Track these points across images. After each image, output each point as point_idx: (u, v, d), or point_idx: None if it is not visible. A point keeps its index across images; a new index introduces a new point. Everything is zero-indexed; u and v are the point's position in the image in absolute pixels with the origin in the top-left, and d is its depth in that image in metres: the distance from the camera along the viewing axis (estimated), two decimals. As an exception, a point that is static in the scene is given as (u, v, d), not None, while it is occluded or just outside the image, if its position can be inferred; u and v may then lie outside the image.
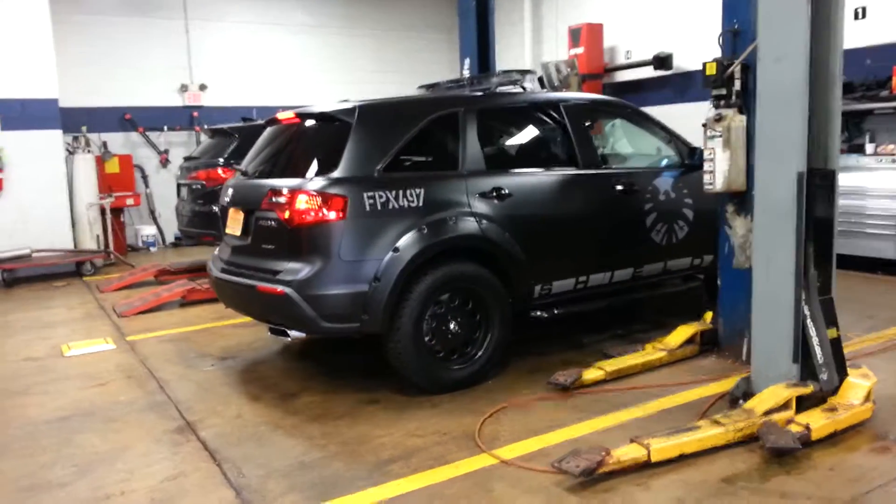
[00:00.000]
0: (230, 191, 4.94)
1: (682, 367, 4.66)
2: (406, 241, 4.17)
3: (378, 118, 4.50)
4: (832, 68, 3.75)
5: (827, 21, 3.70)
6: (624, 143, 6.09)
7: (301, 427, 4.00)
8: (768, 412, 3.52)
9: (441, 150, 4.67)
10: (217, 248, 5.26)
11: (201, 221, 8.10)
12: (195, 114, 12.12)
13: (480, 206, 4.48)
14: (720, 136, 4.49)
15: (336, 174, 4.20)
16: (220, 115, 11.56)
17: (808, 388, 3.63)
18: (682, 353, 4.79)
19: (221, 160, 8.09)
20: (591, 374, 4.41)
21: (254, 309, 4.71)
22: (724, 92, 4.57)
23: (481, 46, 8.34)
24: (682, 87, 10.41)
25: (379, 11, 13.69)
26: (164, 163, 11.97)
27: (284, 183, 4.34)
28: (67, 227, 9.50)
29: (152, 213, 11.90)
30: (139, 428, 4.12)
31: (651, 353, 4.75)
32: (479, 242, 4.45)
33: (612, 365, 4.54)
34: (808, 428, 3.40)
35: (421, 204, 4.28)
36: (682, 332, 4.86)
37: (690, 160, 5.51)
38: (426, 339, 4.28)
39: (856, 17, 8.11)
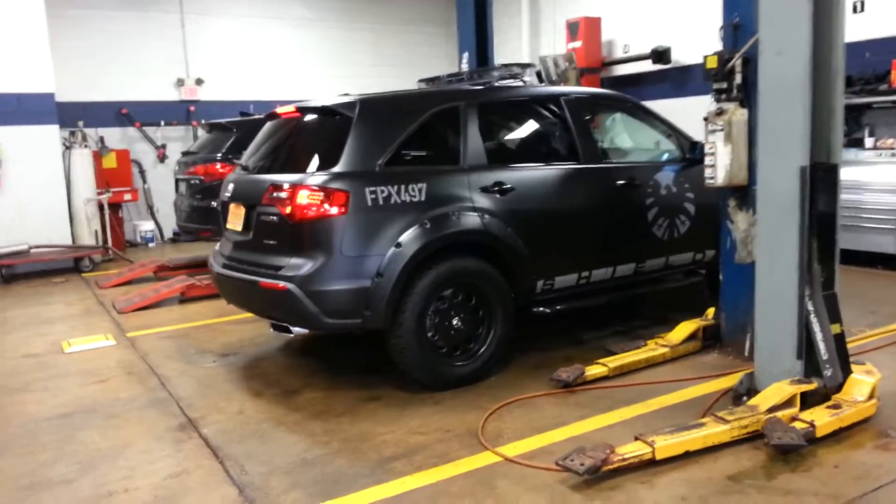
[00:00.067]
0: (231, 186, 4.91)
1: (684, 364, 4.65)
2: (408, 236, 4.15)
3: (379, 112, 4.48)
4: (834, 62, 3.73)
5: (828, 14, 3.67)
6: (625, 137, 6.07)
7: (303, 424, 3.99)
8: (772, 409, 3.51)
9: (442, 145, 4.64)
10: (218, 244, 5.23)
11: (200, 216, 8.06)
12: (192, 108, 12.08)
13: (482, 201, 4.46)
14: (721, 130, 4.47)
15: (337, 169, 4.18)
16: (217, 109, 11.51)
17: (812, 385, 3.62)
18: (685, 349, 4.78)
19: (220, 155, 8.05)
20: (593, 370, 4.41)
21: (255, 305, 4.69)
22: (725, 86, 4.55)
23: (479, 40, 8.31)
24: (680, 80, 10.39)
25: (377, 5, 13.64)
26: (162, 158, 11.93)
27: (286, 178, 4.32)
28: (65, 222, 9.46)
29: (150, 208, 11.86)
30: (141, 425, 4.10)
31: (653, 349, 4.74)
32: (482, 237, 4.44)
33: (614, 361, 4.53)
34: (812, 425, 3.39)
35: (423, 199, 4.26)
36: (684, 328, 4.85)
37: (691, 154, 5.49)
38: (429, 334, 4.26)
39: (854, 10, 8.10)
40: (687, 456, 3.31)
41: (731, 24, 4.60)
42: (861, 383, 3.67)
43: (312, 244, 4.14)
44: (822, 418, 3.45)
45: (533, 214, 4.66)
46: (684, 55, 10.25)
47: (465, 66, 8.29)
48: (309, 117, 4.80)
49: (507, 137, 5.24)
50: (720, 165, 4.49)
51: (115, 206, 10.70)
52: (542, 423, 3.82)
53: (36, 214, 9.14)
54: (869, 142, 7.41)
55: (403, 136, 4.39)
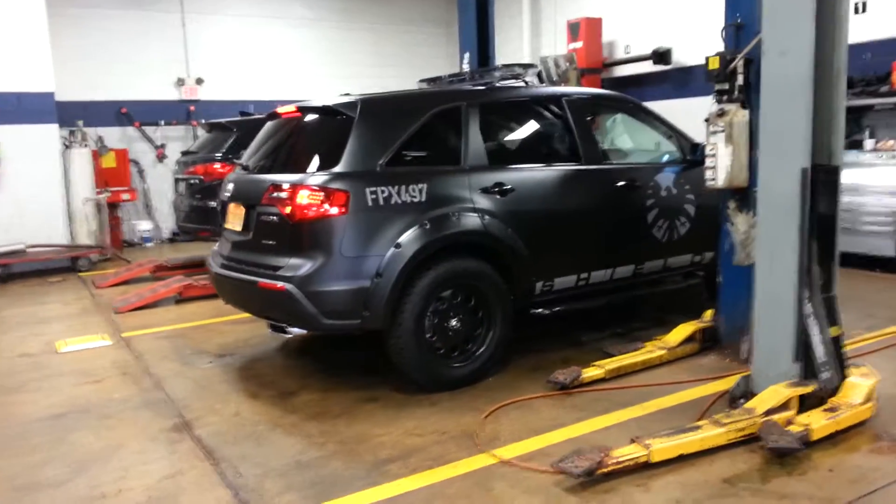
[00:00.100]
0: (230, 186, 4.90)
1: (681, 366, 4.64)
2: (408, 236, 4.13)
3: (380, 112, 4.46)
4: (836, 63, 3.71)
5: (832, 15, 3.65)
6: (625, 138, 6.05)
7: (299, 425, 3.97)
8: (769, 412, 3.49)
9: (443, 145, 4.63)
10: (217, 244, 5.21)
11: (199, 216, 8.05)
12: (192, 108, 12.07)
13: (483, 202, 4.44)
14: (722, 131, 4.46)
15: (338, 169, 4.16)
16: (217, 109, 11.51)
17: (809, 388, 3.60)
18: (682, 352, 4.76)
19: (219, 155, 8.03)
20: (590, 372, 4.39)
21: (254, 305, 4.67)
22: (726, 86, 4.54)
23: (481, 40, 8.29)
24: (681, 81, 10.37)
25: (377, 5, 13.63)
26: (161, 157, 11.92)
27: (286, 178, 4.30)
28: (63, 222, 9.44)
29: (148, 208, 11.84)
30: (135, 426, 4.08)
31: (651, 351, 4.72)
32: (482, 238, 4.42)
33: (611, 363, 4.51)
34: (808, 428, 3.37)
35: (423, 199, 4.25)
36: (681, 330, 4.83)
37: (692, 156, 5.48)
38: (428, 335, 4.25)
39: (856, 11, 8.07)
40: (682, 459, 3.29)
41: (733, 24, 4.60)
42: (858, 386, 3.65)
43: (312, 244, 4.12)
44: (819, 421, 3.43)
45: (533, 215, 4.64)
46: (685, 56, 10.23)
47: (466, 67, 8.28)
48: (310, 117, 4.78)
49: (507, 138, 5.23)
50: (721, 167, 4.48)
51: (114, 206, 10.67)
52: (539, 425, 3.81)
53: (34, 213, 9.12)
54: (869, 144, 7.39)
55: (404, 136, 4.37)
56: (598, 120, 6.05)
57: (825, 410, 3.54)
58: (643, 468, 3.22)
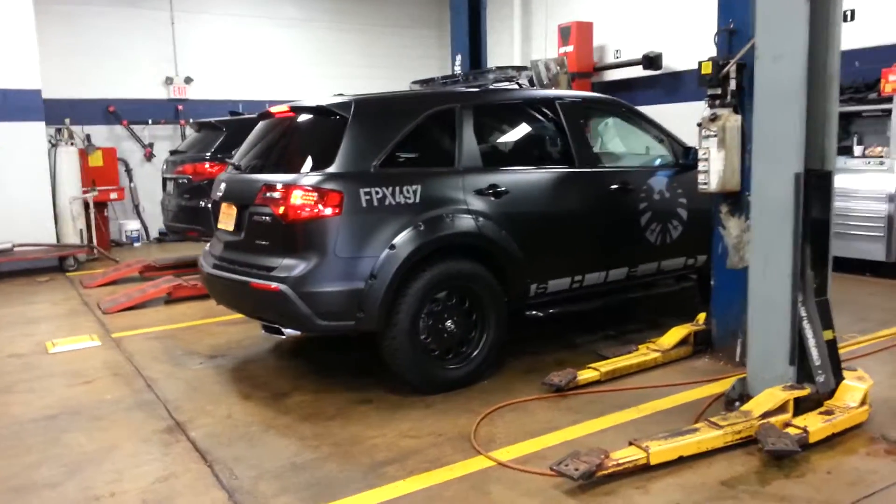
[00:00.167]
0: (223, 185, 4.86)
1: (675, 368, 4.65)
2: (402, 238, 4.12)
3: (374, 113, 4.45)
4: (829, 68, 3.74)
5: (825, 20, 3.68)
6: (618, 141, 6.07)
7: (293, 427, 3.94)
8: (766, 415, 3.50)
9: (437, 146, 4.62)
10: (208, 244, 5.17)
11: (187, 216, 7.99)
12: (180, 107, 11.98)
13: (477, 204, 4.44)
14: (715, 135, 4.49)
15: (332, 169, 4.14)
16: (206, 108, 11.44)
17: (805, 391, 3.62)
18: (676, 354, 4.78)
19: (208, 154, 7.98)
20: (585, 374, 4.39)
21: (247, 306, 4.63)
22: (719, 91, 4.57)
23: (473, 43, 8.31)
24: (671, 87, 10.42)
25: (368, 7, 13.61)
26: (149, 157, 11.82)
27: (279, 178, 4.27)
28: (50, 221, 9.34)
29: (136, 207, 11.75)
30: (127, 427, 4.03)
31: (645, 353, 4.73)
32: (476, 240, 4.41)
33: (606, 366, 4.51)
34: (805, 431, 3.39)
35: (417, 200, 4.23)
36: (675, 333, 4.85)
37: (685, 160, 5.50)
38: (422, 337, 4.23)
39: (845, 19, 8.14)
40: (681, 461, 3.29)
41: (726, 29, 4.62)
42: (853, 389, 3.68)
43: (306, 245, 4.09)
44: (816, 424, 3.45)
45: (527, 217, 4.64)
46: (676, 61, 10.28)
47: (458, 69, 8.28)
48: (303, 117, 4.76)
49: (501, 140, 5.23)
50: (713, 171, 4.50)
51: (101, 205, 10.57)
52: (535, 427, 3.80)
53: (20, 212, 9.00)
54: (858, 150, 7.46)
55: (398, 137, 4.36)
56: (591, 123, 6.06)
57: (821, 413, 3.56)
58: (642, 470, 3.22)
